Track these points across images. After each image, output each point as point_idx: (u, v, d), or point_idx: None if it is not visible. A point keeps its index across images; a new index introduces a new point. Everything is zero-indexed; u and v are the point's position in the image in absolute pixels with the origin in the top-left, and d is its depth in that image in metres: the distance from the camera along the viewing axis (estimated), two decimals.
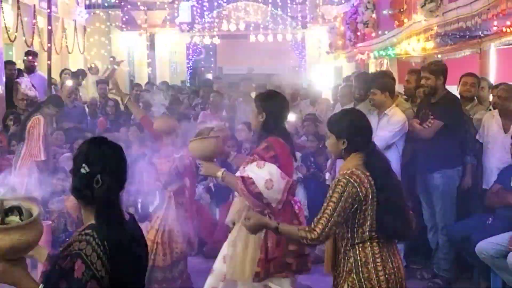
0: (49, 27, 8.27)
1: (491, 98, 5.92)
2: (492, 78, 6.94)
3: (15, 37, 8.84)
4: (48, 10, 8.70)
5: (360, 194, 2.80)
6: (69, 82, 8.94)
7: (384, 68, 9.45)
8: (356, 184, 2.80)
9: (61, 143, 7.50)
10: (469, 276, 5.37)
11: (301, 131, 7.63)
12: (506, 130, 5.27)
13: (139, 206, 6.57)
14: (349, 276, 2.87)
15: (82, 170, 2.09)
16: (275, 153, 3.67)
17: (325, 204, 2.82)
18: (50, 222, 4.76)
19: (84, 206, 2.15)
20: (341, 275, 2.92)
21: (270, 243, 3.63)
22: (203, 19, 16.04)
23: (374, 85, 5.40)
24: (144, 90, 9.74)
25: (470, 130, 5.51)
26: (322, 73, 14.13)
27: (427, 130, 5.23)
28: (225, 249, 4.06)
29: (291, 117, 7.89)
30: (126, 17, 15.28)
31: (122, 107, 9.62)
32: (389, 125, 5.33)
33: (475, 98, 5.95)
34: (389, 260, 2.87)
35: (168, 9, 15.74)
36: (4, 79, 8.21)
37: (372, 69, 10.44)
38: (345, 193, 2.78)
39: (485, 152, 5.40)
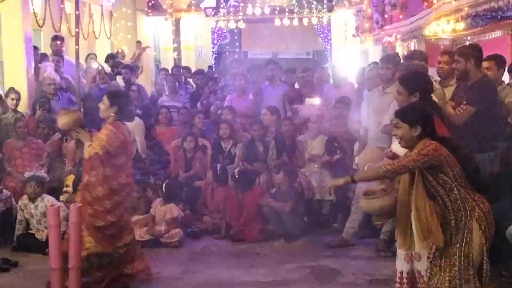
0: (77, 13, 8.30)
1: None
2: None
3: (43, 23, 8.93)
4: None
5: (443, 152, 3.41)
6: (95, 65, 9.00)
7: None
8: (437, 144, 3.42)
9: None
10: (498, 260, 5.31)
11: (327, 114, 7.57)
12: None
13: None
14: (474, 212, 3.45)
15: None
16: None
17: (410, 153, 3.45)
18: (81, 205, 4.81)
19: None
20: (464, 217, 3.45)
21: None
22: (228, 3, 15.97)
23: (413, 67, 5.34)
24: (170, 74, 9.75)
25: (503, 114, 5.40)
26: (348, 56, 13.98)
27: (458, 116, 5.13)
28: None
29: (317, 100, 7.89)
30: (152, 2, 15.29)
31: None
32: None
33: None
34: None
35: None
36: (33, 64, 8.31)
37: (399, 52, 10.29)
38: (427, 147, 3.41)
39: None
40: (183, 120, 8.13)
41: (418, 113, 3.57)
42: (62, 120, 4.92)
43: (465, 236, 3.45)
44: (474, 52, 5.26)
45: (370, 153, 4.58)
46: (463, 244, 3.44)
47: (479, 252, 3.44)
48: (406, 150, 3.81)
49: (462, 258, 3.42)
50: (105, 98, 4.95)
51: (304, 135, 7.30)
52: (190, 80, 10.20)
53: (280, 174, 6.63)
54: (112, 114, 4.87)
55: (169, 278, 5.31)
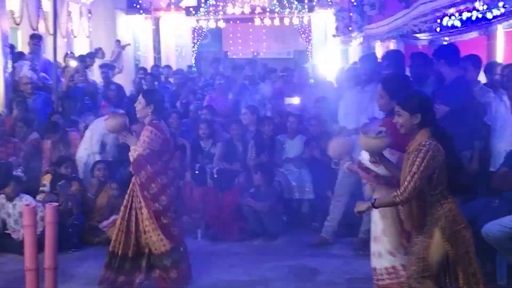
0: (55, 11, 8.23)
1: None
2: (500, 61, 6.88)
3: (21, 21, 8.83)
4: None
5: (440, 158, 3.38)
6: (73, 63, 8.91)
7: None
8: (436, 149, 3.37)
9: None
10: None
11: (306, 114, 7.60)
12: None
13: None
14: (438, 222, 3.43)
15: None
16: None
17: (411, 168, 3.37)
18: (58, 204, 4.76)
19: None
20: (428, 224, 3.47)
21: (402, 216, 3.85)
22: (208, 2, 15.94)
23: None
24: (149, 73, 9.70)
25: (479, 114, 5.45)
26: (328, 56, 14.06)
27: None
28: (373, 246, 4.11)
29: (296, 100, 7.91)
30: (131, 0, 15.21)
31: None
32: None
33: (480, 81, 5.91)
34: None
35: None
36: (10, 62, 8.21)
37: (378, 52, 10.36)
38: (427, 157, 3.35)
39: (493, 135, 5.36)
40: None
41: (419, 101, 3.61)
42: (110, 124, 4.89)
43: (425, 239, 3.50)
44: (445, 52, 5.31)
45: (341, 144, 4.53)
46: (422, 249, 3.50)
47: (438, 257, 3.47)
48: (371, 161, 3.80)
49: (418, 260, 3.49)
50: (140, 97, 4.91)
51: (283, 134, 7.31)
52: (171, 80, 10.15)
53: (258, 174, 6.63)
54: (149, 113, 4.84)
55: None
